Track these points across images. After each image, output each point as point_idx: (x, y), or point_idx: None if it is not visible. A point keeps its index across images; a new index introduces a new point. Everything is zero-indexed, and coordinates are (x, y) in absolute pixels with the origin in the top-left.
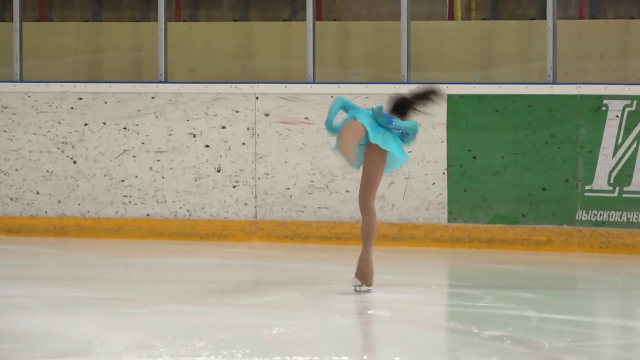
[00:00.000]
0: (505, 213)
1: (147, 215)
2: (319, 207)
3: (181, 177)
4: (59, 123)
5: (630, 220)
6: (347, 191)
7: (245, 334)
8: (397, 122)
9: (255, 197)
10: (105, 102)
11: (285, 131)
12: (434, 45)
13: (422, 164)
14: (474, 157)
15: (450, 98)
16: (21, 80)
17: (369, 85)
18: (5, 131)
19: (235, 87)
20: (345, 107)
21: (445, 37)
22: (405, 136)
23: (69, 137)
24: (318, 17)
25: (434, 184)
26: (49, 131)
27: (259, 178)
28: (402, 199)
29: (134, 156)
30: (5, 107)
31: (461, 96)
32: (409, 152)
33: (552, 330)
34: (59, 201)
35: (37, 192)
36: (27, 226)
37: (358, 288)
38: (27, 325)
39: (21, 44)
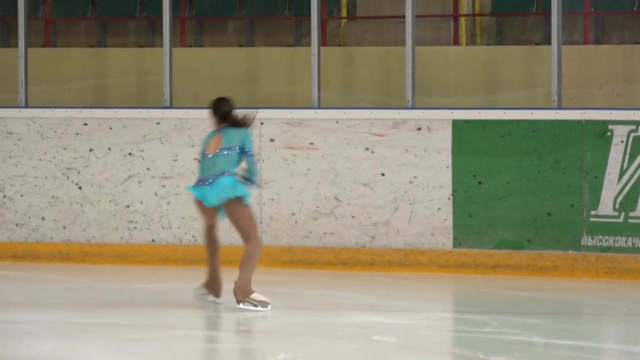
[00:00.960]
0: (511, 238)
1: (153, 241)
2: (324, 233)
3: (186, 202)
4: (64, 149)
5: (636, 245)
6: (353, 217)
7: None
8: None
9: (260, 222)
10: (111, 128)
11: (290, 157)
12: (438, 71)
13: (427, 190)
14: (479, 183)
15: (455, 123)
16: (26, 106)
17: (374, 111)
18: (10, 157)
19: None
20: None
21: (450, 63)
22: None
23: (74, 163)
24: (323, 42)
25: (439, 209)
26: (54, 157)
27: (264, 204)
28: (407, 224)
29: (139, 182)
30: (10, 133)
31: (466, 121)
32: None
33: (558, 356)
34: (65, 227)
35: (43, 218)
36: (32, 252)
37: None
38: (32, 351)
39: (26, 69)
